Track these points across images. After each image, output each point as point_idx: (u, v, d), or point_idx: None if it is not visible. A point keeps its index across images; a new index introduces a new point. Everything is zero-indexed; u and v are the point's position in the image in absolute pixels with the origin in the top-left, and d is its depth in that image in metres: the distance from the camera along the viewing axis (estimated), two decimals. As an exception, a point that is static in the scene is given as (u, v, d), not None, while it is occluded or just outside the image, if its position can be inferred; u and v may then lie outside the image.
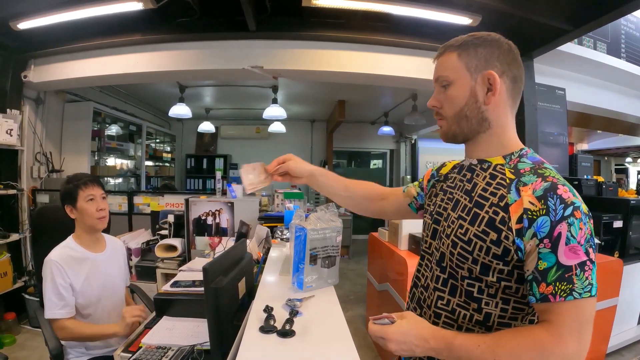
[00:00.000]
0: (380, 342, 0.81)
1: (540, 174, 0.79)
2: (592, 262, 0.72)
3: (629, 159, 9.93)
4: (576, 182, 3.52)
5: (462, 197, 0.90)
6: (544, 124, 3.57)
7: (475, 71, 0.86)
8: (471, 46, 0.86)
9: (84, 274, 1.64)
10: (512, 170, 0.84)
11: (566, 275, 0.71)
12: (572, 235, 0.71)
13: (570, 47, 3.37)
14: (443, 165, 1.13)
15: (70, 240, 1.69)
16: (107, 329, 1.58)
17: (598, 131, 7.23)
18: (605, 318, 2.74)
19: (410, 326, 0.80)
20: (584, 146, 8.85)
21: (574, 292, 0.70)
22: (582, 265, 0.71)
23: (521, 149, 0.88)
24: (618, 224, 3.11)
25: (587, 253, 0.72)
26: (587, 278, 0.71)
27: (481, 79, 0.85)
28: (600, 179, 3.64)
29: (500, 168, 0.86)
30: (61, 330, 1.55)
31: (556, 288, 0.71)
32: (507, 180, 0.82)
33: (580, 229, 0.72)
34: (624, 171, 10.13)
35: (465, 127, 0.89)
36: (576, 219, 0.72)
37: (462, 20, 2.84)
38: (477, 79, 0.86)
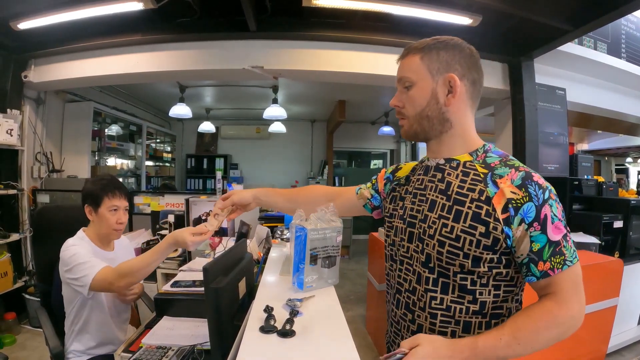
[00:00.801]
0: None
1: (510, 165, 0.86)
2: (568, 232, 0.83)
3: (629, 159, 9.92)
4: (576, 182, 3.52)
5: (437, 197, 0.92)
6: (544, 124, 3.57)
7: (437, 74, 0.90)
8: (434, 49, 0.90)
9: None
10: (483, 165, 0.89)
11: (557, 249, 0.80)
12: (554, 215, 0.80)
13: (570, 47, 3.37)
14: (398, 168, 1.16)
15: (82, 234, 1.67)
16: (156, 249, 1.40)
17: (598, 131, 7.22)
18: (605, 318, 2.73)
19: (429, 350, 0.79)
20: (584, 146, 8.84)
21: (566, 262, 0.80)
22: (565, 237, 0.81)
23: (484, 145, 0.94)
24: (618, 224, 3.12)
25: (565, 226, 0.82)
26: (570, 246, 0.82)
27: (442, 81, 0.90)
28: (601, 179, 3.64)
29: (470, 165, 0.91)
30: (116, 274, 1.41)
31: (552, 262, 0.80)
32: (481, 175, 0.87)
33: (557, 207, 0.82)
34: (624, 171, 10.12)
35: (426, 126, 0.93)
36: (552, 199, 0.81)
37: (463, 20, 2.84)
38: (439, 81, 0.90)
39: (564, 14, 2.76)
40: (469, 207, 0.85)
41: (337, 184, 8.04)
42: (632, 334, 3.23)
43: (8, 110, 3.33)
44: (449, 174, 0.92)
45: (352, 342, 0.93)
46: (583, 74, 3.91)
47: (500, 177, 0.84)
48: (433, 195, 0.93)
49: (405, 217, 0.99)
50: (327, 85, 4.93)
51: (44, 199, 3.81)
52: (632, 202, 3.16)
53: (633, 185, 8.68)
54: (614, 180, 7.18)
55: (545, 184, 0.82)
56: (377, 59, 3.35)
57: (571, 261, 0.81)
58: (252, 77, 3.60)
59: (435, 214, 0.91)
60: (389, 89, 4.96)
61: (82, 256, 1.49)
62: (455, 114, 0.92)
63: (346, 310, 2.30)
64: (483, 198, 0.84)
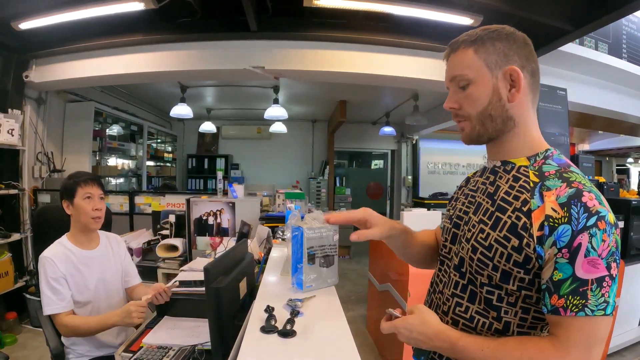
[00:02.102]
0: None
1: (565, 178, 0.75)
2: (611, 277, 0.68)
3: (630, 160, 9.92)
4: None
5: (484, 200, 0.86)
6: (546, 125, 3.56)
7: (496, 67, 0.81)
8: (487, 40, 0.82)
9: (77, 270, 1.63)
10: (537, 173, 0.79)
11: (580, 290, 0.67)
12: (592, 247, 0.67)
13: (571, 48, 3.36)
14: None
15: (63, 239, 1.69)
16: (107, 318, 1.54)
17: (599, 132, 7.21)
18: (606, 319, 2.73)
19: (415, 322, 0.82)
20: (586, 147, 8.84)
21: (586, 309, 0.67)
22: (599, 280, 0.67)
23: (546, 150, 0.84)
24: (619, 224, 3.11)
25: (608, 267, 0.68)
26: (603, 295, 0.67)
27: (502, 75, 0.81)
28: (602, 179, 3.64)
29: (524, 170, 0.82)
30: (62, 327, 1.54)
31: (568, 302, 0.68)
32: (531, 184, 0.78)
33: (604, 240, 0.68)
34: (625, 172, 10.11)
35: (490, 127, 0.84)
36: (599, 229, 0.68)
37: (463, 20, 2.84)
38: (498, 76, 0.81)
39: (565, 14, 2.76)
40: (509, 217, 0.77)
41: (338, 184, 8.04)
42: (633, 335, 3.23)
43: (9, 110, 3.33)
44: (500, 177, 0.85)
45: (352, 342, 0.93)
46: (584, 74, 3.90)
47: (548, 189, 0.74)
48: (480, 198, 0.88)
49: (453, 217, 0.95)
50: (328, 86, 4.93)
51: (44, 198, 3.82)
52: (633, 202, 3.15)
53: (634, 186, 8.66)
54: (615, 180, 7.18)
55: (598, 208, 0.69)
56: (378, 59, 3.35)
57: (592, 310, 0.66)
58: (253, 77, 3.61)
59: (477, 217, 0.85)
60: (390, 89, 4.95)
61: (45, 284, 1.54)
62: (519, 111, 0.83)
63: (347, 310, 2.29)
64: (525, 209, 0.75)
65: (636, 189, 4.92)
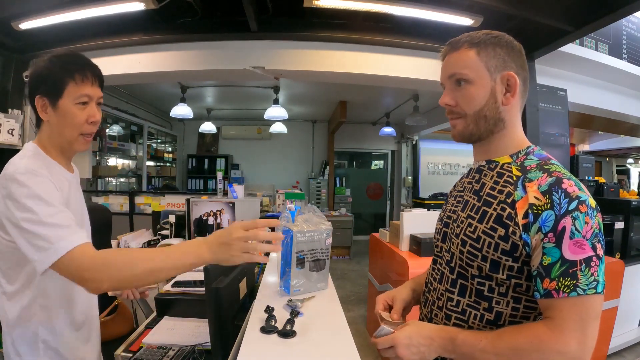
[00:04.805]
0: (391, 353, 0.83)
1: (546, 169, 0.79)
2: (598, 257, 0.71)
3: (630, 160, 9.92)
4: (577, 183, 3.52)
5: (471, 197, 0.90)
6: (546, 125, 3.56)
7: (495, 71, 0.85)
8: (490, 45, 0.86)
9: (64, 191, 1.03)
10: (519, 168, 0.84)
11: (570, 271, 0.70)
12: (576, 230, 0.71)
13: (571, 48, 3.36)
14: None
15: (34, 148, 1.03)
16: (181, 254, 0.89)
17: (599, 132, 7.22)
18: (606, 319, 2.73)
19: (413, 329, 0.84)
20: (586, 147, 8.84)
21: (577, 288, 0.69)
22: (587, 260, 0.70)
23: (528, 147, 0.89)
24: (619, 225, 3.12)
25: (593, 248, 0.71)
26: (592, 274, 0.70)
27: (500, 79, 0.86)
28: (602, 180, 3.64)
29: (507, 167, 0.86)
30: (94, 269, 0.84)
31: (559, 284, 0.70)
32: (514, 178, 0.82)
33: (586, 223, 0.71)
34: (625, 172, 10.12)
35: (482, 127, 0.88)
36: (581, 212, 0.72)
37: (464, 21, 2.83)
38: (497, 79, 0.86)
39: (565, 14, 2.76)
40: (495, 209, 0.81)
41: (338, 184, 8.05)
42: (633, 335, 3.23)
43: (9, 110, 3.33)
44: (485, 175, 0.90)
45: (352, 342, 0.93)
46: (584, 74, 3.91)
47: (530, 181, 0.78)
48: (468, 196, 0.92)
49: (443, 218, 0.99)
50: (329, 86, 4.93)
51: (45, 198, 3.81)
52: (633, 203, 3.15)
53: (634, 186, 8.67)
54: (615, 181, 7.19)
55: (577, 193, 0.73)
56: (378, 59, 3.35)
57: (584, 290, 0.69)
58: (253, 78, 3.60)
59: (465, 213, 0.89)
60: (390, 90, 4.95)
61: (46, 201, 0.88)
62: (509, 114, 0.88)
63: (347, 310, 2.29)
64: (509, 201, 0.79)
65: (636, 190, 4.92)
